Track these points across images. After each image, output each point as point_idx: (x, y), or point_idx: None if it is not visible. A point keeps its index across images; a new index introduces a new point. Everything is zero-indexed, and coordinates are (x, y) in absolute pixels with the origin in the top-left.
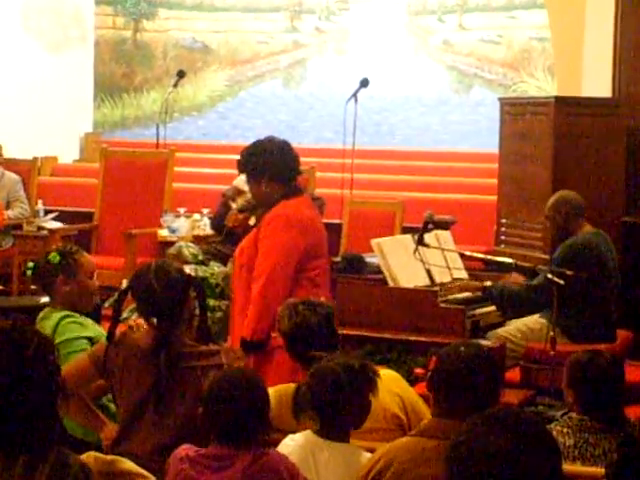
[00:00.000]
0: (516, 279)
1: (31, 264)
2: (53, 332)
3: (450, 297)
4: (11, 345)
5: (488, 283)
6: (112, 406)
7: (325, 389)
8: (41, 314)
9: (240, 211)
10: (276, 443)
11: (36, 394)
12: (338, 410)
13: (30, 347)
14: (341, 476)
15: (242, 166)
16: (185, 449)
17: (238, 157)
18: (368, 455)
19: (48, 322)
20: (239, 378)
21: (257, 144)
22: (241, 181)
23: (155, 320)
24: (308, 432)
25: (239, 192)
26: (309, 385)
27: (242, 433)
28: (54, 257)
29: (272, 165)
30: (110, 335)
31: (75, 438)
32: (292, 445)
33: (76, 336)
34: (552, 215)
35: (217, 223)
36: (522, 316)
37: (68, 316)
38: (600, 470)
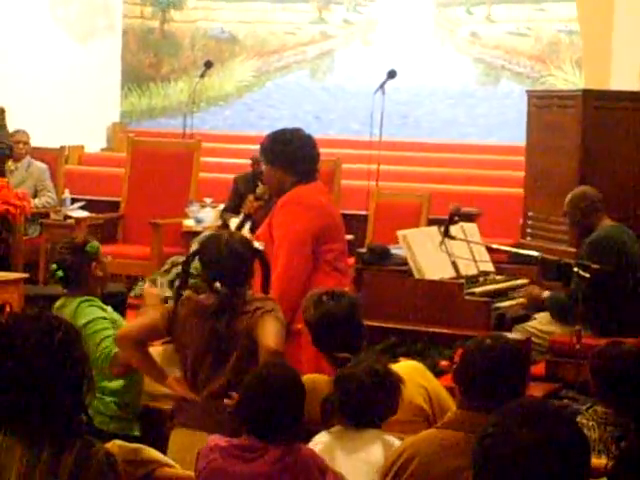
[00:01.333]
0: (533, 290)
1: (55, 266)
2: (73, 316)
3: (475, 290)
4: (39, 333)
5: (545, 294)
6: None
7: (351, 398)
8: (58, 303)
9: (257, 199)
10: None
11: (63, 382)
12: (365, 414)
13: (57, 335)
14: (371, 463)
15: (263, 149)
16: (216, 439)
17: (263, 139)
18: (393, 439)
19: (68, 308)
20: (278, 374)
21: (281, 132)
22: (233, 223)
23: (219, 285)
24: (337, 427)
25: (224, 224)
26: (335, 394)
27: (275, 428)
28: (93, 247)
29: (289, 156)
30: (179, 294)
31: (93, 427)
32: (323, 440)
33: (98, 316)
34: (570, 211)
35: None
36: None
37: (88, 300)
38: None
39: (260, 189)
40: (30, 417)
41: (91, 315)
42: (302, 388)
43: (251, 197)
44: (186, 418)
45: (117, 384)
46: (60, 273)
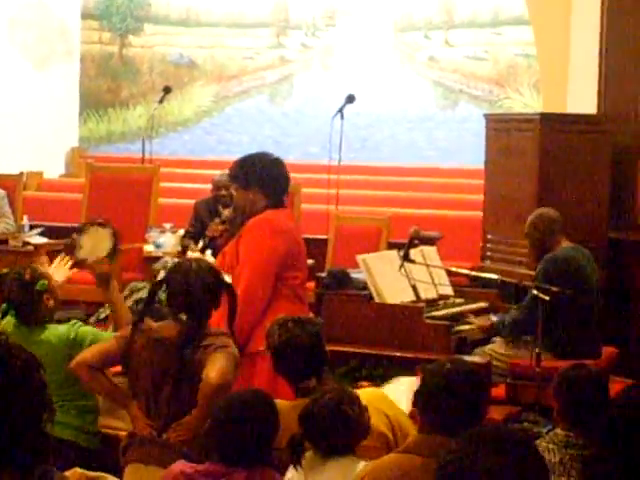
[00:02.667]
0: (481, 322)
1: (5, 306)
2: (72, 340)
3: (435, 313)
4: None
5: (494, 318)
6: None
7: (318, 432)
8: (14, 332)
9: (222, 222)
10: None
11: (22, 412)
12: (335, 444)
13: (16, 365)
14: None
15: (233, 172)
16: (180, 465)
17: (231, 165)
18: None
19: (49, 336)
20: (252, 401)
21: (253, 155)
22: (193, 249)
23: (184, 316)
24: (309, 453)
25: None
26: (302, 430)
27: (244, 454)
28: (43, 285)
29: (263, 178)
30: (139, 321)
31: (68, 441)
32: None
33: (94, 332)
34: (530, 232)
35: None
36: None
37: (73, 324)
38: None
39: (226, 213)
40: None
41: (94, 334)
42: (275, 415)
43: (217, 220)
44: (139, 454)
45: (93, 402)
46: (12, 312)
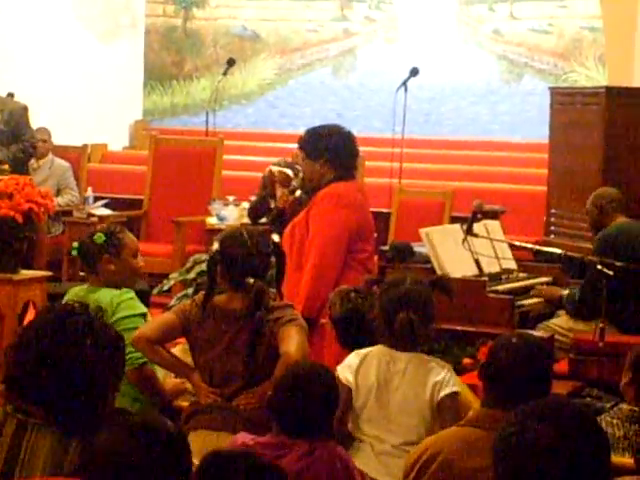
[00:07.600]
0: (550, 290)
1: (75, 244)
2: (115, 307)
3: (499, 287)
4: (74, 330)
5: (565, 292)
6: None
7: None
8: (79, 292)
9: (291, 192)
10: None
11: (103, 384)
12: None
13: (108, 341)
14: (415, 384)
15: (304, 142)
16: (242, 437)
17: (302, 134)
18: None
19: (98, 297)
20: (314, 374)
21: (325, 126)
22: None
23: (251, 280)
24: (379, 346)
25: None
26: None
27: (306, 426)
28: (99, 237)
29: (333, 150)
30: (207, 299)
31: (123, 409)
32: (363, 355)
33: (136, 313)
34: (590, 209)
35: (254, 212)
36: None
37: (126, 292)
38: None
39: (294, 183)
40: (62, 408)
41: (130, 310)
42: (336, 387)
43: (285, 191)
44: (204, 421)
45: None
46: (74, 252)
